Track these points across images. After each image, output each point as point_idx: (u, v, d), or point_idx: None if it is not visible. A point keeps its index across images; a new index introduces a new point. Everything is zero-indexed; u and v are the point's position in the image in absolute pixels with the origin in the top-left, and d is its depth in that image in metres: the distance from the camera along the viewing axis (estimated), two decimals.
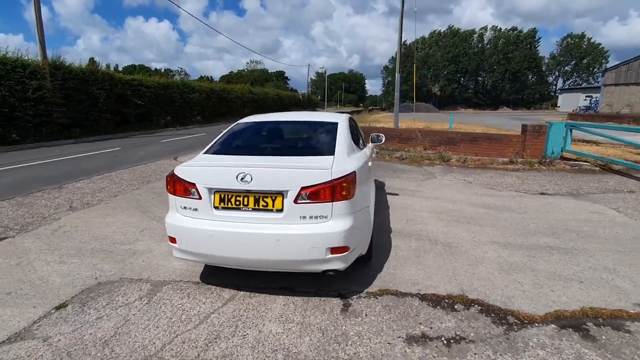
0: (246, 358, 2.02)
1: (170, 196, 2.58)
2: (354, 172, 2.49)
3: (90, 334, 2.26)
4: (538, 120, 11.40)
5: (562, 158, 8.24)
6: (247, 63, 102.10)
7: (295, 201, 2.31)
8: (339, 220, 2.36)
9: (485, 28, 70.84)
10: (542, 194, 5.71)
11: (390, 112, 44.06)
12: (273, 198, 2.35)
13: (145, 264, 3.24)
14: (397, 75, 15.13)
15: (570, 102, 48.37)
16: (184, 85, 21.70)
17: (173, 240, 2.55)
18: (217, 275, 2.95)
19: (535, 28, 70.14)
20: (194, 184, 2.44)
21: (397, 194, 5.66)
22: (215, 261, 2.56)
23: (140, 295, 2.71)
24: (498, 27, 70.52)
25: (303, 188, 2.29)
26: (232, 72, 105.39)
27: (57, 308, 2.56)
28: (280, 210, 2.34)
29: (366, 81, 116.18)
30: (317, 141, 2.97)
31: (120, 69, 76.46)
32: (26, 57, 11.88)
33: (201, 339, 2.19)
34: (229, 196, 2.40)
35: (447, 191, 5.88)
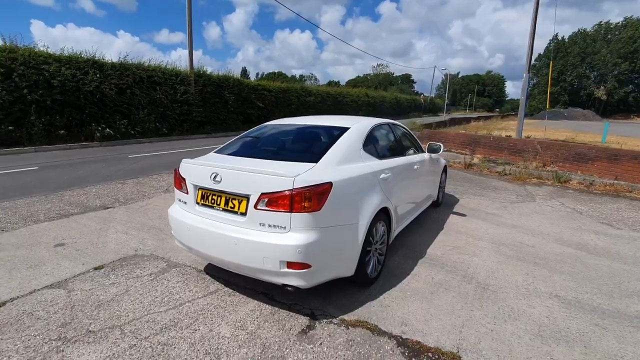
0: (179, 351, 2.07)
1: (175, 188, 2.85)
2: (329, 183, 2.24)
3: (96, 295, 2.70)
4: None
5: None
6: (373, 67, 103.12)
7: (255, 207, 2.23)
8: (299, 233, 2.16)
9: None
10: None
11: (532, 120, 37.46)
12: (239, 201, 2.32)
13: (175, 245, 3.67)
14: (524, 75, 12.78)
15: None
16: (302, 89, 23.53)
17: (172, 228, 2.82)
18: (218, 267, 3.11)
19: None
20: (185, 180, 2.64)
21: (465, 215, 4.80)
22: (194, 253, 2.70)
23: (152, 272, 3.09)
24: None
25: (263, 194, 2.19)
26: (358, 76, 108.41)
27: (95, 268, 3.16)
28: (244, 214, 2.30)
29: (507, 83, 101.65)
30: (313, 146, 2.79)
31: (264, 75, 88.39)
32: (179, 68, 15.01)
33: (161, 323, 2.35)
34: (207, 194, 2.50)
35: (535, 220, 4.66)
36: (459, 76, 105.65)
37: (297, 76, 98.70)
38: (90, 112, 11.59)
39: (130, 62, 13.27)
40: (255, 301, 2.63)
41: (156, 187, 6.17)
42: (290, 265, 2.16)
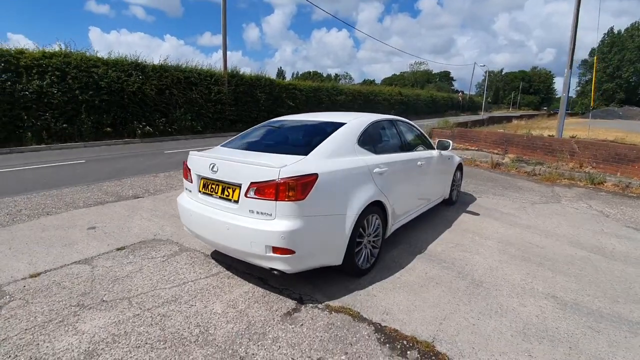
0: (174, 322, 2.31)
1: (183, 178, 3.12)
2: (314, 174, 2.37)
3: (115, 271, 3.04)
4: None
5: None
6: (411, 65, 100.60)
7: (246, 195, 2.41)
8: (284, 220, 2.31)
9: None
10: None
11: (582, 118, 34.72)
12: (233, 189, 2.52)
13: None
14: (566, 71, 11.98)
15: None
16: (332, 88, 23.66)
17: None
18: (222, 253, 3.35)
19: None
20: (190, 170, 2.89)
21: (478, 214, 4.69)
22: (198, 238, 2.94)
23: (165, 254, 3.40)
24: None
25: (252, 183, 2.37)
26: (395, 74, 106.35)
27: (118, 249, 3.52)
28: (237, 201, 2.49)
29: (556, 79, 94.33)
30: (307, 140, 2.91)
31: (298, 75, 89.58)
32: (214, 69, 15.75)
33: (164, 298, 2.61)
34: (208, 183, 2.72)
35: (554, 221, 4.44)
36: (502, 73, 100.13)
37: (332, 75, 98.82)
38: (132, 111, 12.55)
39: (169, 64, 14.16)
40: (251, 284, 2.82)
41: (183, 180, 6.62)
42: (275, 250, 2.31)
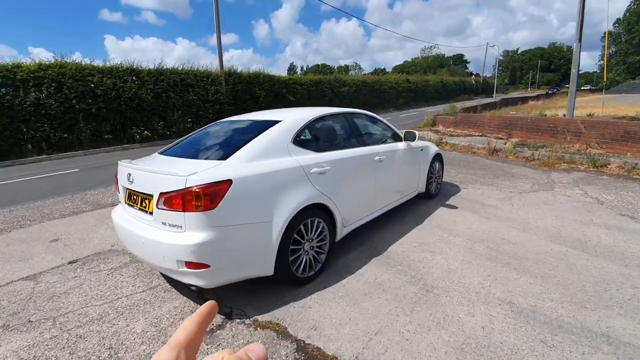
0: (87, 345, 2.18)
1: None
2: (226, 181, 2.17)
3: (56, 287, 2.95)
4: None
5: None
6: (422, 50, 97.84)
7: (157, 206, 2.24)
8: (194, 232, 2.13)
9: None
10: None
11: (607, 94, 32.68)
12: (149, 200, 2.35)
13: None
14: (575, 45, 11.17)
15: None
16: (335, 80, 23.22)
17: None
18: None
19: None
20: (118, 180, 2.75)
21: (456, 207, 4.36)
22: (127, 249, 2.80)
23: (113, 267, 3.30)
24: None
25: (161, 193, 2.19)
26: (406, 61, 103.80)
27: (70, 262, 3.45)
28: (152, 213, 2.33)
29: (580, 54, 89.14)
30: (233, 143, 2.69)
31: (308, 69, 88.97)
32: (210, 69, 15.68)
33: (90, 316, 2.49)
34: (131, 194, 2.57)
35: (539, 212, 4.07)
36: (519, 52, 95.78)
37: (343, 66, 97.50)
38: (130, 117, 12.67)
39: (164, 67, 14.20)
40: (185, 298, 2.67)
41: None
42: (188, 264, 2.14)
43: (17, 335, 2.31)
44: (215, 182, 2.14)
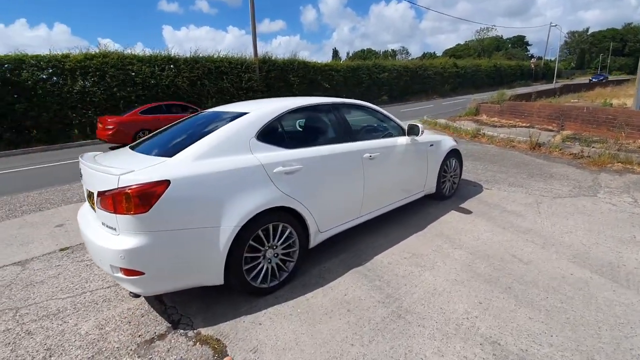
0: (30, 343, 2.13)
1: None
2: (162, 181, 1.96)
3: (37, 275, 3.00)
4: None
5: None
6: (477, 32, 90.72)
7: (97, 205, 2.10)
8: (126, 237, 1.95)
9: None
10: None
11: None
12: (93, 198, 2.22)
13: None
14: None
15: None
16: (374, 65, 22.24)
17: None
18: None
19: None
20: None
21: (470, 212, 3.81)
22: None
23: None
24: None
25: (98, 192, 2.04)
26: (459, 44, 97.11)
27: (61, 250, 3.53)
28: (96, 212, 2.20)
29: None
30: (190, 137, 2.44)
31: (351, 54, 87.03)
32: (244, 56, 15.74)
33: (49, 310, 2.47)
34: (88, 190, 2.47)
35: (570, 224, 3.40)
36: (588, 33, 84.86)
37: (389, 51, 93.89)
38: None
39: (200, 55, 14.49)
40: (142, 299, 2.55)
41: None
42: (122, 270, 1.99)
43: None
44: (149, 182, 1.93)
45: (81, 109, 11.43)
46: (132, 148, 2.69)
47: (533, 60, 47.23)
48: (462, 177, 5.14)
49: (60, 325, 2.30)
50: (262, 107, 2.69)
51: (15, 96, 10.41)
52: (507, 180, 4.93)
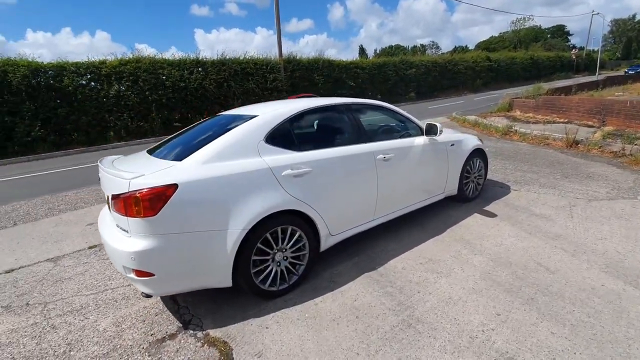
0: (53, 337, 2.26)
1: None
2: (171, 185, 2.00)
3: (67, 271, 3.18)
4: None
5: None
6: (512, 22, 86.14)
7: (111, 208, 2.18)
8: (137, 239, 2.02)
9: None
10: None
11: None
12: (109, 202, 2.31)
13: None
14: None
15: None
16: (401, 62, 21.75)
17: None
18: None
19: None
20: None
21: (495, 215, 3.61)
22: None
23: None
24: None
25: (113, 196, 2.12)
26: (492, 36, 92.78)
27: (90, 247, 3.73)
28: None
29: None
30: (199, 141, 2.46)
31: (379, 51, 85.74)
32: (269, 57, 15.93)
33: (74, 306, 2.60)
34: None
35: (604, 229, 3.12)
36: (635, 20, 77.89)
37: (419, 46, 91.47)
38: (194, 106, 13.64)
39: (227, 57, 14.84)
40: (158, 298, 2.64)
41: None
42: (134, 271, 2.05)
43: (10, 318, 2.52)
44: (157, 186, 1.98)
45: (116, 112, 12.07)
46: (150, 152, 2.77)
47: (574, 51, 44.17)
48: (489, 177, 4.90)
49: (82, 321, 2.42)
50: (272, 109, 2.68)
51: (58, 101, 11.17)
52: (538, 181, 4.63)
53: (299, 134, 2.68)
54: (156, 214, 1.98)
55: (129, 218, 2.01)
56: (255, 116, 2.56)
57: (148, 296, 2.22)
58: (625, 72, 35.89)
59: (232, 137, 2.36)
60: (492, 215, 3.64)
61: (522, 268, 2.61)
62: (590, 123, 8.76)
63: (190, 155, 2.24)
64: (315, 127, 2.88)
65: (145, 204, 1.96)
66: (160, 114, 12.81)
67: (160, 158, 2.45)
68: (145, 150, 2.95)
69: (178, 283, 2.15)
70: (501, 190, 4.41)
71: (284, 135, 2.55)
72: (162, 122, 12.89)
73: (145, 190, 1.96)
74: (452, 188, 3.78)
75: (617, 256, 2.66)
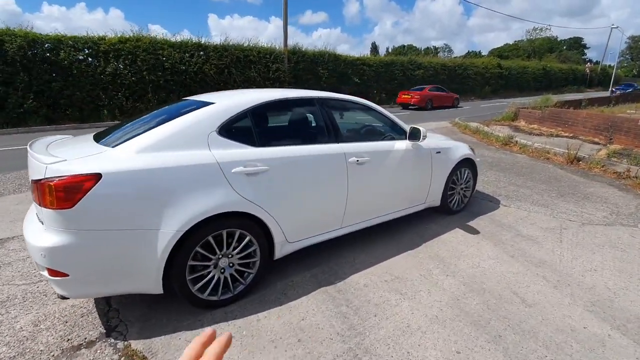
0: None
1: None
2: (93, 175, 1.73)
3: (7, 257, 2.95)
4: None
5: None
6: (528, 32, 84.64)
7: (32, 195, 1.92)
8: (50, 233, 1.76)
9: None
10: None
11: None
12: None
13: None
14: None
15: None
16: (409, 62, 21.30)
17: None
18: None
19: None
20: None
21: (477, 233, 3.33)
22: None
23: None
24: None
25: (33, 181, 1.85)
26: (507, 44, 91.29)
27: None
28: None
29: None
30: (147, 127, 2.19)
31: (392, 50, 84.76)
32: (273, 46, 15.55)
33: (5, 294, 2.38)
34: None
35: (595, 258, 2.83)
36: None
37: (431, 48, 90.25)
38: (193, 90, 13.26)
39: (230, 43, 14.48)
40: (90, 298, 2.39)
41: None
42: (47, 269, 1.80)
43: None
44: (76, 175, 1.71)
45: (112, 90, 11.78)
46: (96, 136, 2.49)
47: (588, 64, 43.32)
48: (479, 189, 4.61)
49: (4, 314, 2.18)
50: (232, 98, 2.40)
51: (53, 75, 10.90)
52: (530, 198, 4.33)
53: (260, 128, 2.40)
54: (73, 206, 1.71)
55: (43, 208, 1.75)
56: (211, 103, 2.28)
57: (64, 298, 1.97)
58: (612, 91, 30.96)
59: (177, 126, 2.09)
60: (474, 231, 3.36)
61: (495, 297, 2.34)
62: (596, 140, 8.41)
63: (124, 143, 1.97)
64: (280, 121, 2.60)
65: (59, 194, 1.69)
66: (157, 96, 12.52)
67: (99, 143, 2.18)
68: (92, 135, 2.69)
69: (97, 286, 1.90)
70: (490, 204, 4.12)
71: (242, 128, 2.28)
72: (159, 104, 12.58)
73: (62, 178, 1.70)
74: (435, 198, 3.49)
75: (606, 293, 2.38)
